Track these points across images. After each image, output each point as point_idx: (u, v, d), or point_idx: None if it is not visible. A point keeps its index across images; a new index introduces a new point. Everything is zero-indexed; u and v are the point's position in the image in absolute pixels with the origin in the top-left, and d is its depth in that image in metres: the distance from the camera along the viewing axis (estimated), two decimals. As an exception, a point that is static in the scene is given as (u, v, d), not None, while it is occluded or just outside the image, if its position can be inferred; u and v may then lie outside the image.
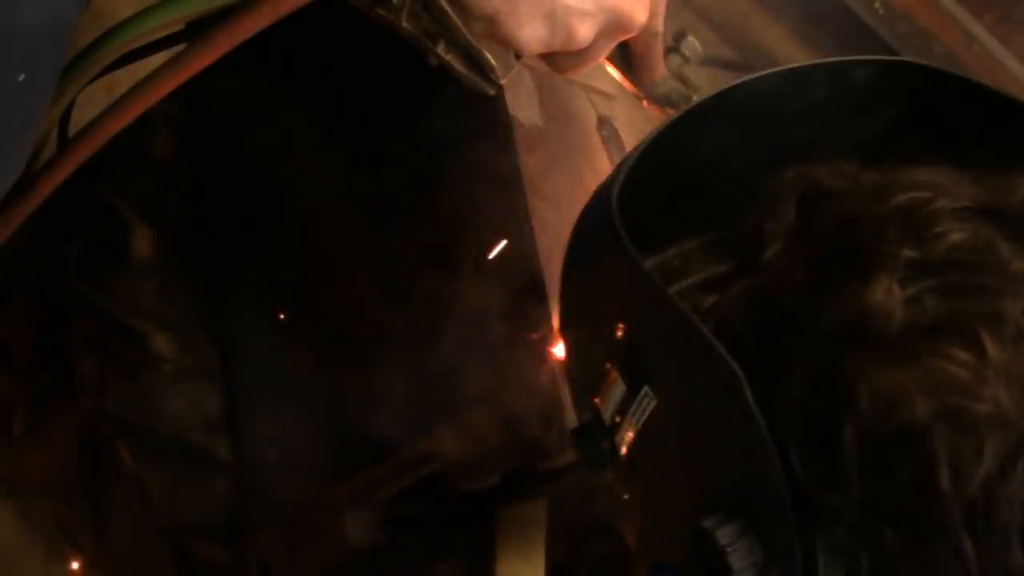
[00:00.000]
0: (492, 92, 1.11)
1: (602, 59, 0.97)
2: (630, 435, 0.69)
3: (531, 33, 0.87)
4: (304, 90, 1.48)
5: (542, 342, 1.05)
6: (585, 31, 0.87)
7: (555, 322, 1.05)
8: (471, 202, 1.20)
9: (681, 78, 1.07)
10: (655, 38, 1.00)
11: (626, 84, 1.04)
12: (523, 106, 1.14)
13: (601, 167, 1.18)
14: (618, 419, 0.69)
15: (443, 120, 1.25)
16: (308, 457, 1.44)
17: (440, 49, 1.11)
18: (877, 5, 2.81)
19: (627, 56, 1.02)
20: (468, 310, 1.21)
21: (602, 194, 0.73)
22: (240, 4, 0.85)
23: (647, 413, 0.67)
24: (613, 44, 0.94)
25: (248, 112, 1.54)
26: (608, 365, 0.70)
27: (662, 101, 1.06)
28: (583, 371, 0.78)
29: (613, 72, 1.03)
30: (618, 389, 0.69)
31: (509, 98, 1.13)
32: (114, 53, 0.94)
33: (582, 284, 0.79)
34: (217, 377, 1.47)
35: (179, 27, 0.94)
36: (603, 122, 1.22)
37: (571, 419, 1.03)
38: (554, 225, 1.10)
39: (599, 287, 0.76)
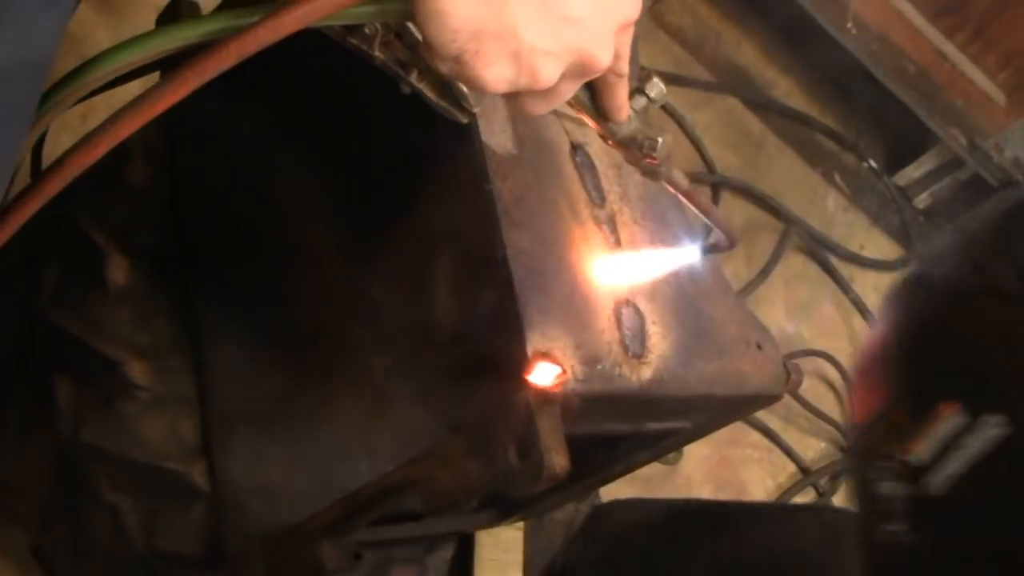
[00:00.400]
0: (465, 120, 1.12)
1: (566, 100, 0.98)
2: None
3: (496, 73, 0.87)
4: (282, 116, 1.48)
5: (518, 371, 1.05)
6: (550, 72, 0.88)
7: (530, 350, 1.05)
8: (447, 230, 1.20)
9: (646, 120, 1.08)
10: (620, 80, 1.00)
11: (592, 124, 1.04)
12: (496, 133, 1.14)
13: (575, 193, 1.19)
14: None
15: (419, 147, 1.25)
16: (286, 483, 1.43)
17: (413, 78, 1.12)
18: (850, 25, 2.83)
19: (592, 96, 1.02)
20: (444, 338, 1.21)
21: None
22: (209, 43, 0.85)
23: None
24: (578, 85, 0.95)
25: (226, 139, 1.53)
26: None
27: (627, 142, 1.06)
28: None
29: (579, 99, 1.04)
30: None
31: (482, 125, 1.13)
32: (90, 85, 0.94)
33: None
34: (193, 405, 1.46)
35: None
36: (576, 148, 1.22)
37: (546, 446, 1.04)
38: (528, 252, 1.10)
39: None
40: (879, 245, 2.99)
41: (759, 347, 1.28)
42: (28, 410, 1.56)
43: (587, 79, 0.94)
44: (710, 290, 1.26)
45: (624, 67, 0.99)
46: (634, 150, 1.08)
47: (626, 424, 1.21)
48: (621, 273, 1.17)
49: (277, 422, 1.46)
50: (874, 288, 2.89)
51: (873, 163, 3.09)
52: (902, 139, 3.11)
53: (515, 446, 1.05)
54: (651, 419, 1.22)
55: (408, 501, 1.18)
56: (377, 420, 1.45)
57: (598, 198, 1.21)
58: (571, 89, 0.95)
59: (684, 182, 1.13)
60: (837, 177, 3.05)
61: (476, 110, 1.13)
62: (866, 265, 2.91)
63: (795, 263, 2.80)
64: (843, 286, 2.82)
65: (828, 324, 2.76)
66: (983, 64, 2.86)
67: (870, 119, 3.14)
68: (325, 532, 1.25)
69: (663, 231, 1.24)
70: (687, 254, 1.19)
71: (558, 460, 1.02)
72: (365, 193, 1.46)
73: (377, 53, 1.13)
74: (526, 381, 1.04)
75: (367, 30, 1.12)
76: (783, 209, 2.80)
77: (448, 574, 1.53)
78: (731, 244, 1.22)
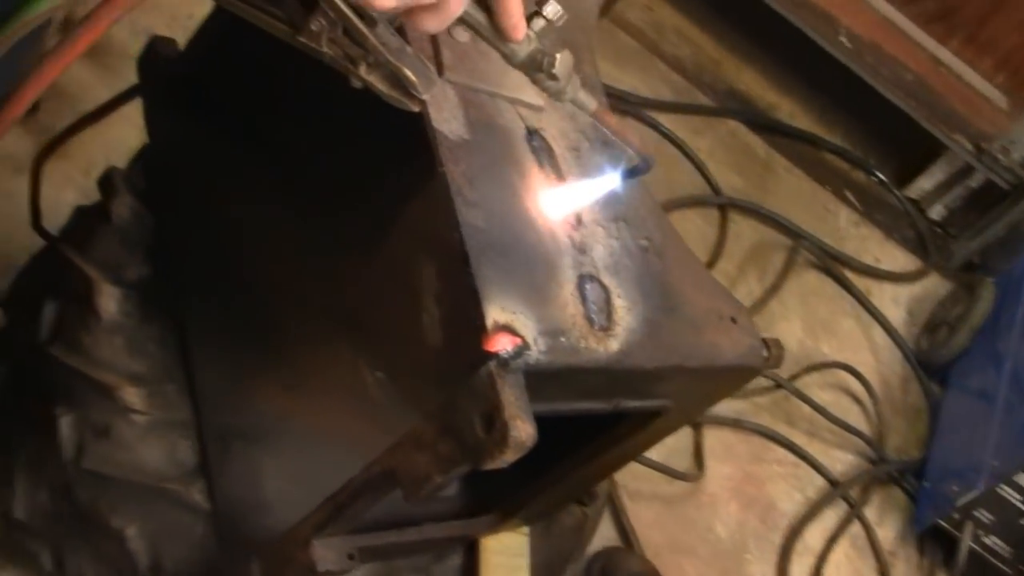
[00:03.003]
0: (416, 108, 1.13)
1: (460, 13, 1.01)
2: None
3: None
4: (252, 142, 1.50)
5: (477, 344, 1.05)
6: None
7: (489, 322, 1.06)
8: (421, 235, 1.20)
9: (543, 41, 1.08)
10: None
11: (490, 44, 1.05)
12: (447, 120, 1.15)
13: (531, 174, 1.19)
14: None
15: (384, 157, 1.26)
16: (282, 496, 1.43)
17: (362, 71, 1.14)
18: (843, 39, 2.83)
19: (490, 18, 1.04)
20: (432, 346, 1.20)
21: None
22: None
23: None
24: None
25: (202, 170, 1.56)
26: None
27: (526, 64, 1.07)
28: None
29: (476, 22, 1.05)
30: None
31: (433, 113, 1.14)
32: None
33: None
34: (189, 427, 1.47)
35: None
36: (532, 133, 1.23)
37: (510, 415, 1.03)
38: (484, 230, 1.10)
39: None
40: (895, 257, 2.97)
41: (733, 320, 1.26)
42: (38, 449, 1.58)
43: None
44: (678, 266, 1.25)
45: None
46: (535, 72, 1.09)
47: (602, 402, 1.20)
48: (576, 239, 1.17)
49: (272, 438, 1.47)
50: (893, 300, 2.87)
51: (883, 177, 3.07)
52: (910, 151, 3.11)
53: (480, 419, 1.05)
54: (628, 396, 1.21)
55: (390, 491, 1.17)
56: (371, 431, 1.45)
57: (555, 177, 1.21)
58: (458, 3, 0.97)
59: (591, 103, 1.13)
60: (848, 194, 3.04)
61: (425, 97, 1.14)
62: (883, 277, 2.89)
63: (810, 279, 2.79)
64: (861, 299, 2.79)
65: (848, 338, 2.73)
66: (980, 68, 2.85)
67: (876, 134, 3.14)
68: (315, 532, 1.25)
69: (624, 208, 1.24)
70: (607, 180, 1.19)
71: (523, 428, 1.02)
72: (343, 211, 1.48)
73: (326, 49, 1.15)
74: (486, 352, 1.04)
75: (314, 27, 1.14)
76: (792, 226, 2.78)
77: (455, 579, 1.53)
78: (647, 166, 1.21)
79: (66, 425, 1.48)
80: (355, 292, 1.38)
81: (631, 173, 1.19)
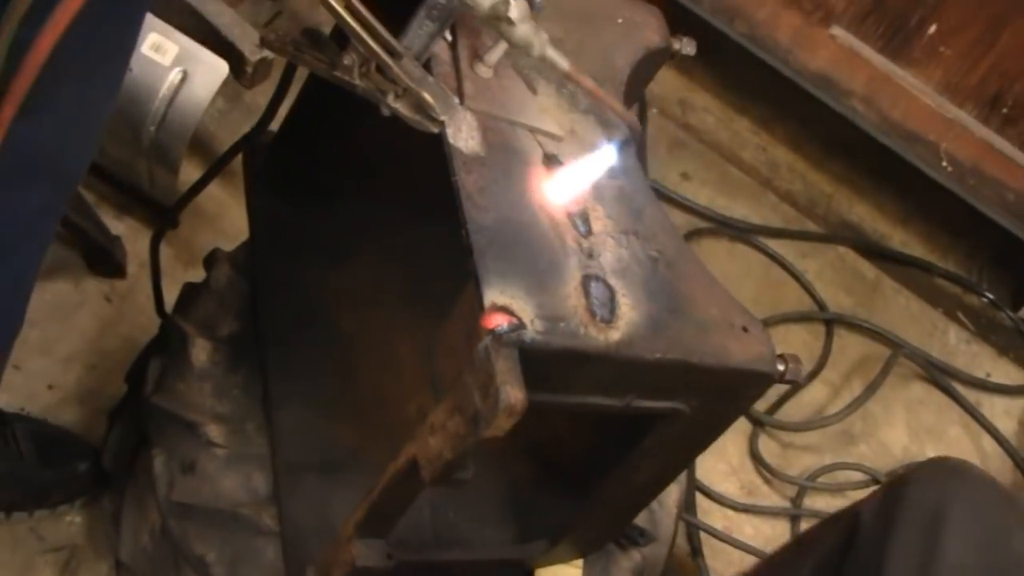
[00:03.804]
0: (436, 130, 1.22)
1: None
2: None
3: None
4: (340, 219, 1.63)
5: (476, 324, 1.10)
6: None
7: (487, 303, 1.11)
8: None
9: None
10: None
11: None
12: (464, 138, 1.22)
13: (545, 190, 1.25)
14: None
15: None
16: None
17: (390, 99, 1.23)
18: (945, 163, 2.84)
19: None
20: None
21: None
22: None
23: None
24: None
25: (297, 243, 1.67)
26: None
27: (490, 16, 1.14)
28: None
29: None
30: None
31: (451, 132, 1.22)
32: None
33: None
34: (265, 460, 1.54)
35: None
36: (549, 159, 1.29)
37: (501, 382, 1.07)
38: (488, 228, 1.16)
39: None
40: (1008, 373, 2.89)
41: (745, 329, 1.28)
42: (139, 492, 1.67)
43: None
44: (690, 278, 1.28)
45: None
46: (497, 22, 1.15)
47: (613, 398, 1.22)
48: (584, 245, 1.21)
49: (341, 475, 1.53)
50: (1004, 412, 2.79)
51: (995, 299, 3.01)
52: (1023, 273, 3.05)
53: (479, 390, 1.09)
54: (639, 394, 1.23)
55: (416, 483, 1.21)
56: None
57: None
58: None
59: (563, 62, 1.18)
60: (959, 314, 2.98)
61: (443, 118, 1.23)
62: (993, 390, 2.81)
63: (916, 390, 2.74)
64: (969, 409, 2.72)
65: (955, 444, 2.66)
66: (1080, 180, 2.82)
67: (989, 259, 3.09)
68: (357, 533, 1.29)
69: (635, 223, 1.28)
70: (605, 153, 1.23)
71: (513, 393, 1.06)
72: (417, 280, 1.58)
73: (358, 82, 1.26)
74: (484, 329, 1.09)
75: (347, 61, 1.24)
76: (898, 339, 2.75)
77: (512, 613, 1.54)
78: (635, 129, 1.25)
79: (159, 464, 1.57)
80: (434, 353, 1.43)
81: (623, 144, 1.24)
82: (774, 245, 2.86)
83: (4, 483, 1.70)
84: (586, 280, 1.19)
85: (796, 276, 2.81)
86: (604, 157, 1.26)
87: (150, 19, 1.88)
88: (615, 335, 1.17)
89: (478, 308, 1.11)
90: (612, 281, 1.21)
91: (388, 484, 1.25)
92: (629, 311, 1.19)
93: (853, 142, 2.92)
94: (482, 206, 1.18)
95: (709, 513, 2.30)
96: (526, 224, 1.20)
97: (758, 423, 2.48)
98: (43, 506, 1.72)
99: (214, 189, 2.18)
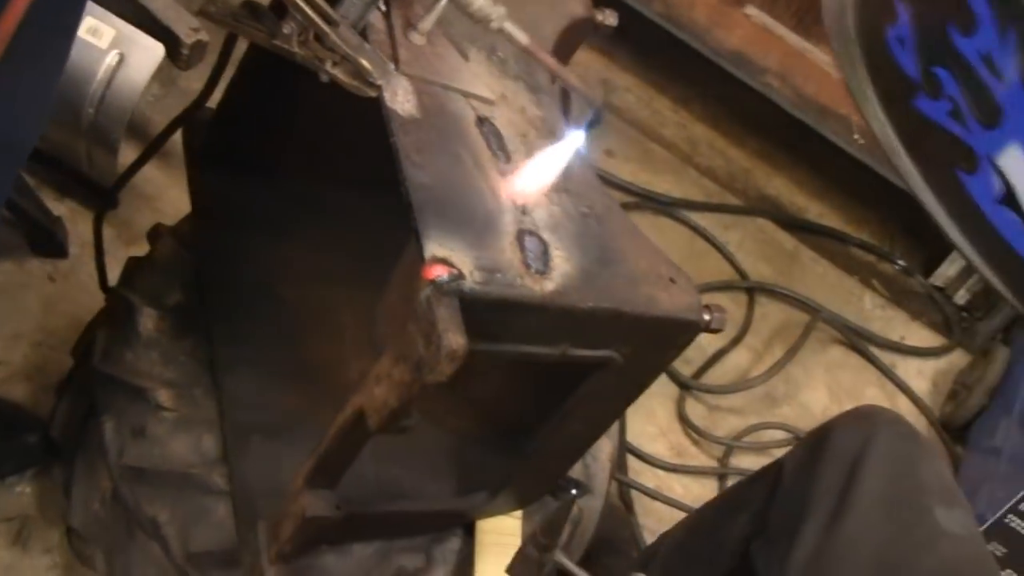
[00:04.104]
0: (373, 94, 1.25)
1: None
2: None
3: None
4: (281, 191, 1.65)
5: (417, 276, 1.13)
6: None
7: (427, 255, 1.14)
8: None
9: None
10: None
11: None
12: (400, 101, 1.26)
13: (478, 150, 1.28)
14: None
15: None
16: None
17: (328, 67, 1.26)
18: (856, 136, 2.92)
19: None
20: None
21: None
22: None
23: None
24: None
25: (240, 216, 1.70)
26: None
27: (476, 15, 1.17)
28: None
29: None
30: None
31: (387, 96, 1.25)
32: None
33: None
34: (214, 423, 1.57)
35: None
36: (483, 120, 1.32)
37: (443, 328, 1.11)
38: (427, 186, 1.20)
39: None
40: (920, 336, 2.98)
41: (672, 281, 1.32)
42: (89, 459, 1.68)
43: None
44: (619, 233, 1.32)
45: None
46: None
47: (548, 347, 1.25)
48: (518, 194, 1.25)
49: (289, 434, 1.55)
50: (917, 372, 2.88)
51: (908, 265, 3.10)
52: (935, 240, 3.13)
53: (422, 338, 1.12)
54: (573, 343, 1.27)
55: (362, 433, 1.24)
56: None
57: (504, 157, 1.30)
58: None
59: (522, 37, 1.22)
60: (874, 282, 3.07)
61: (380, 83, 1.26)
62: (908, 352, 2.89)
63: (835, 353, 2.82)
64: (885, 371, 2.81)
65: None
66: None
67: (901, 229, 3.18)
68: (306, 485, 1.32)
69: (566, 182, 1.32)
70: (571, 139, 1.27)
71: (454, 339, 1.09)
72: (358, 250, 1.61)
73: (297, 50, 1.28)
74: (425, 280, 1.12)
75: (286, 30, 1.27)
76: (816, 305, 2.82)
77: (456, 564, 1.58)
78: (598, 112, 1.29)
79: (109, 430, 1.58)
80: (376, 319, 1.47)
81: (590, 125, 1.28)
82: (696, 218, 2.92)
83: (-46, 455, 1.71)
84: (521, 234, 1.23)
85: (718, 247, 2.88)
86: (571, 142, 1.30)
87: (87, 4, 1.89)
88: (549, 285, 1.21)
89: (419, 260, 1.14)
90: (545, 235, 1.25)
91: (336, 435, 1.28)
92: (562, 263, 1.23)
93: (769, 118, 2.98)
94: (420, 164, 1.21)
95: (641, 473, 2.36)
96: (463, 183, 1.24)
97: (685, 387, 2.54)
98: (-7, 476, 1.72)
99: (152, 170, 2.21)
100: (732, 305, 2.76)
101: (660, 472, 2.38)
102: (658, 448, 2.42)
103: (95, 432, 1.62)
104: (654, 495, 2.28)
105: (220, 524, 1.52)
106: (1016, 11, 0.53)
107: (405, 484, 1.52)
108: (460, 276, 1.14)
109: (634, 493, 2.28)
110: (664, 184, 2.96)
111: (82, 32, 1.91)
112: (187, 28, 1.98)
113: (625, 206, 2.82)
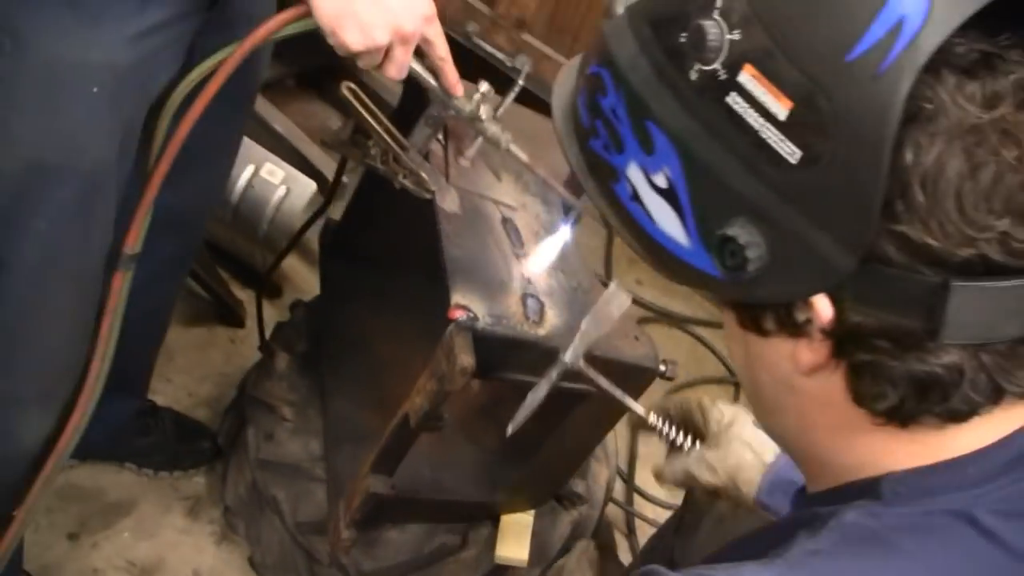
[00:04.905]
0: (429, 196, 1.31)
1: (408, 64, 1.13)
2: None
3: (351, 37, 1.05)
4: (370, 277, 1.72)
5: (447, 317, 1.17)
6: (380, 36, 1.05)
7: (453, 302, 1.18)
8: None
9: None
10: (444, 62, 1.15)
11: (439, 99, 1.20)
12: (447, 202, 1.31)
13: (501, 240, 1.33)
14: None
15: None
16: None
17: (400, 178, 1.32)
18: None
19: (437, 80, 1.19)
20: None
21: None
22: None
23: None
24: (408, 51, 1.09)
25: (343, 294, 1.75)
26: None
27: (471, 117, 1.22)
28: None
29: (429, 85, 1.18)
30: None
31: (439, 198, 1.31)
32: (192, 82, 1.13)
33: None
34: (319, 432, 1.61)
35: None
36: (506, 220, 1.37)
37: (458, 352, 1.14)
38: (458, 258, 1.24)
39: None
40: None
41: (636, 338, 1.34)
42: (238, 457, 1.73)
43: (408, 44, 1.09)
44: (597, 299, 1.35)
45: (443, 52, 1.15)
46: (474, 121, 1.24)
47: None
48: (526, 271, 1.29)
49: (367, 443, 1.57)
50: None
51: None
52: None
53: (445, 359, 1.16)
54: (559, 377, 1.28)
55: (409, 432, 1.27)
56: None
57: (519, 245, 1.35)
58: (405, 54, 1.10)
59: (522, 154, 1.25)
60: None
61: (435, 189, 1.32)
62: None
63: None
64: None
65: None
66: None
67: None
68: (371, 470, 1.35)
69: (562, 264, 1.36)
70: (560, 235, 1.30)
71: (465, 359, 1.13)
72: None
73: (380, 167, 1.36)
74: (449, 319, 1.16)
75: (373, 152, 1.34)
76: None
77: (484, 544, 1.57)
78: (575, 208, 1.32)
79: (251, 435, 1.63)
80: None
81: (574, 222, 1.31)
82: (700, 330, 2.90)
83: (155, 452, 1.77)
84: (524, 296, 1.26)
85: (715, 352, 2.84)
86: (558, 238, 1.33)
87: (265, 152, 2.01)
88: (542, 331, 1.23)
89: (446, 306, 1.18)
90: (543, 298, 1.28)
91: (390, 433, 1.31)
92: (553, 318, 1.26)
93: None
94: (455, 244, 1.26)
95: (643, 507, 2.31)
96: (486, 259, 1.29)
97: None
98: (178, 468, 1.78)
99: (300, 267, 2.29)
100: (724, 395, 2.72)
101: (659, 509, 2.33)
102: (658, 492, 2.38)
103: (242, 438, 1.67)
104: (650, 521, 2.23)
105: (319, 503, 1.55)
106: (620, 76, 0.65)
107: (449, 483, 1.53)
108: (475, 318, 1.17)
109: (637, 521, 2.24)
110: (678, 306, 2.95)
111: (263, 173, 2.02)
112: (332, 171, 2.07)
113: (644, 319, 2.82)
